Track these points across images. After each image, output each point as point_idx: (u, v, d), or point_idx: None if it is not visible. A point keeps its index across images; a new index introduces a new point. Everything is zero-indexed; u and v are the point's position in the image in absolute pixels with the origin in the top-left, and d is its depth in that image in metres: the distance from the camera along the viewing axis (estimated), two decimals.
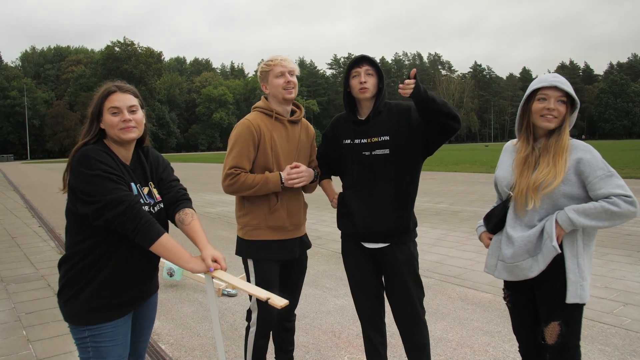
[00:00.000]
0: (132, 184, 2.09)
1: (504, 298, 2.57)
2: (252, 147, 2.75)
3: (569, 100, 2.32)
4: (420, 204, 11.80)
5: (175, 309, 4.85)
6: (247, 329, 2.92)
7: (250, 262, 2.86)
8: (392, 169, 2.69)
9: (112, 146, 2.11)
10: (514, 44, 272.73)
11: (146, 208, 2.10)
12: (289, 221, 2.85)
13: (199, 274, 4.75)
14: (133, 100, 2.10)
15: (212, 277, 2.17)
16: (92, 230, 1.99)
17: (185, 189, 2.36)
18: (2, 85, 77.03)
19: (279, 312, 3.01)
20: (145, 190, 2.17)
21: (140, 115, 2.12)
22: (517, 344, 2.60)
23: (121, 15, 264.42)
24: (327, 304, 4.88)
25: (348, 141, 2.80)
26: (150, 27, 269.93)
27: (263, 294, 2.06)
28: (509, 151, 2.53)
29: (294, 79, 2.84)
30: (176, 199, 2.27)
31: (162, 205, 2.23)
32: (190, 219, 2.22)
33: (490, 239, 2.51)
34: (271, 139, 2.78)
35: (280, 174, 2.75)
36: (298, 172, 2.76)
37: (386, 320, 2.94)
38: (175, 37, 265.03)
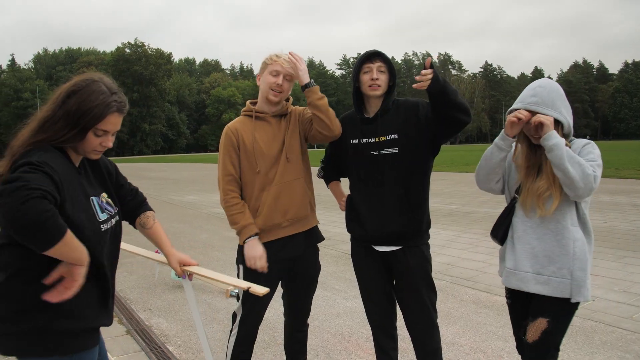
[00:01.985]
0: (93, 198, 1.78)
1: (506, 296, 2.53)
2: (233, 153, 2.69)
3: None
4: (431, 205, 11.41)
5: (184, 310, 4.80)
6: (230, 332, 2.78)
7: (240, 269, 2.72)
8: (401, 168, 2.59)
9: (69, 151, 1.78)
10: (528, 44, 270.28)
11: (105, 225, 1.80)
12: (283, 217, 2.67)
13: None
14: (120, 124, 1.81)
15: (191, 279, 2.24)
16: None
17: (137, 189, 2.22)
18: (15, 87, 77.83)
19: (291, 322, 2.94)
20: (104, 197, 1.88)
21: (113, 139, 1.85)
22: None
23: (136, 18, 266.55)
24: (336, 306, 4.81)
25: (355, 141, 2.68)
26: (164, 29, 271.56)
27: (243, 284, 2.11)
28: (509, 157, 2.45)
29: (286, 85, 2.69)
30: (139, 203, 2.18)
31: (120, 217, 1.98)
32: (152, 222, 2.16)
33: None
34: (252, 139, 2.67)
35: (256, 234, 2.63)
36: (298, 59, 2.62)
37: (397, 324, 2.86)
38: (189, 39, 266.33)
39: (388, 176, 2.59)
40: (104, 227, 1.78)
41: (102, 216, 1.78)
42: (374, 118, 2.65)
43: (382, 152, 2.60)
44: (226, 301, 5.04)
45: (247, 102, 2.83)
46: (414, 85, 2.36)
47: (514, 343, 2.57)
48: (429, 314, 2.67)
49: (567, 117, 2.23)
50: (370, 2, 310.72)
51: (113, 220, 1.88)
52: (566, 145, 2.16)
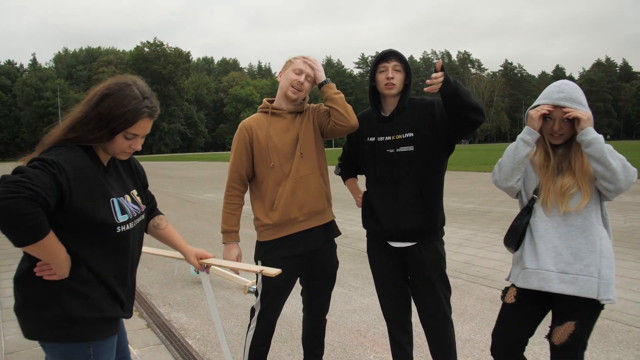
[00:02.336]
0: (113, 199, 1.81)
1: (503, 292, 2.45)
2: (243, 150, 2.73)
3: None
4: (449, 204, 11.56)
5: (202, 305, 4.89)
6: (248, 327, 2.82)
7: (259, 264, 2.73)
8: (417, 166, 2.62)
9: (97, 149, 1.84)
10: (550, 43, 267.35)
11: (129, 225, 1.86)
12: (300, 212, 2.69)
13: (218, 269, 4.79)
14: (150, 128, 1.86)
15: (208, 272, 2.33)
16: None
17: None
18: (37, 86, 79.01)
19: (310, 317, 2.98)
20: (128, 198, 1.92)
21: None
22: (546, 345, 2.40)
23: (155, 18, 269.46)
24: (353, 302, 4.86)
25: (372, 139, 2.73)
26: (182, 29, 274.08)
27: (256, 267, 2.22)
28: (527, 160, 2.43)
29: (307, 85, 2.73)
30: (154, 207, 2.26)
31: (144, 216, 2.03)
32: (165, 223, 2.24)
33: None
34: (266, 135, 2.70)
35: (234, 242, 2.81)
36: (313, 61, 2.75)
37: (412, 319, 2.90)
38: (208, 38, 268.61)
39: (403, 174, 2.63)
40: (121, 228, 1.81)
41: (122, 218, 1.82)
42: (390, 116, 2.68)
43: (397, 150, 2.64)
44: (244, 297, 5.12)
45: (264, 100, 2.88)
46: (425, 89, 2.42)
47: (529, 340, 2.55)
48: (443, 309, 2.71)
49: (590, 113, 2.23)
50: (390, 1, 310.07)
51: (138, 220, 1.94)
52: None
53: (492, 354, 2.46)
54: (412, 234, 2.65)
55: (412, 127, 2.62)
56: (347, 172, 3.05)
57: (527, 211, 2.32)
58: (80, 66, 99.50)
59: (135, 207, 1.93)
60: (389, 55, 2.63)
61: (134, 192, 1.98)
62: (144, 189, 2.13)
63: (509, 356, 2.41)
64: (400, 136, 2.64)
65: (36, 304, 1.72)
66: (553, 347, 2.26)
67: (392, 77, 2.60)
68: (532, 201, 2.32)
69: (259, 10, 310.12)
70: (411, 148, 2.62)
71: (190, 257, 2.27)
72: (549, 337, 2.27)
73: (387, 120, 2.69)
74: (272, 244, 2.74)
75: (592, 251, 2.15)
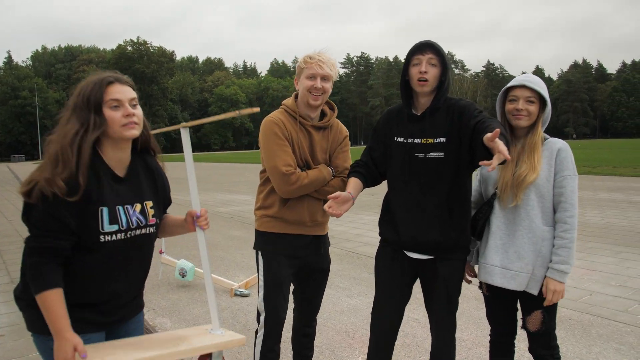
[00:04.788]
0: (103, 208, 1.80)
1: (480, 287, 2.64)
2: (286, 141, 2.58)
3: (539, 100, 2.38)
4: None
5: (187, 310, 4.86)
6: (256, 333, 2.74)
7: (260, 255, 2.71)
8: (446, 175, 2.39)
9: (106, 150, 1.86)
10: (533, 45, 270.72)
11: (132, 233, 1.88)
12: (309, 217, 2.65)
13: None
14: (133, 93, 1.87)
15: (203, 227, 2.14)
16: None
17: None
18: (13, 85, 77.49)
19: (300, 317, 2.95)
20: (138, 208, 1.92)
21: (140, 110, 1.89)
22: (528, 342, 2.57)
23: (144, 17, 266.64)
24: (340, 303, 4.88)
25: (400, 139, 2.48)
26: (171, 28, 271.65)
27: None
28: None
29: (326, 85, 2.62)
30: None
31: (152, 230, 1.98)
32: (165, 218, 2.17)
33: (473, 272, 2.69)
34: (298, 141, 2.62)
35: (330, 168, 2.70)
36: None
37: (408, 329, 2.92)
38: (198, 38, 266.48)
39: (431, 182, 2.41)
40: (104, 238, 1.80)
41: (109, 227, 1.81)
42: (422, 116, 2.45)
43: (428, 155, 2.40)
44: (230, 300, 5.10)
45: (292, 96, 2.75)
46: (490, 165, 1.88)
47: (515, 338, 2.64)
48: (444, 330, 2.55)
49: (549, 103, 2.38)
50: (382, 3, 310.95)
51: (137, 232, 1.90)
52: (541, 140, 2.37)
53: (489, 341, 2.72)
54: (432, 248, 2.44)
55: (445, 132, 2.38)
56: (357, 169, 2.64)
57: (488, 205, 2.50)
58: (59, 65, 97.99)
59: (141, 218, 1.92)
60: (424, 47, 2.37)
61: (149, 203, 1.96)
62: (164, 206, 2.10)
63: (501, 343, 2.64)
64: (431, 140, 2.40)
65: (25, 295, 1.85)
66: (530, 335, 2.48)
67: (425, 72, 2.35)
68: (494, 196, 2.48)
69: (250, 10, 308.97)
70: (441, 155, 2.38)
71: (188, 217, 2.11)
72: (523, 327, 2.49)
73: (419, 119, 2.46)
74: (272, 236, 2.69)
75: (533, 251, 2.37)
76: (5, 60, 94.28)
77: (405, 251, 2.52)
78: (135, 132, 1.85)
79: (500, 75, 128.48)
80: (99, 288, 1.88)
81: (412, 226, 2.45)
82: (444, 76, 2.39)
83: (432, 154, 2.39)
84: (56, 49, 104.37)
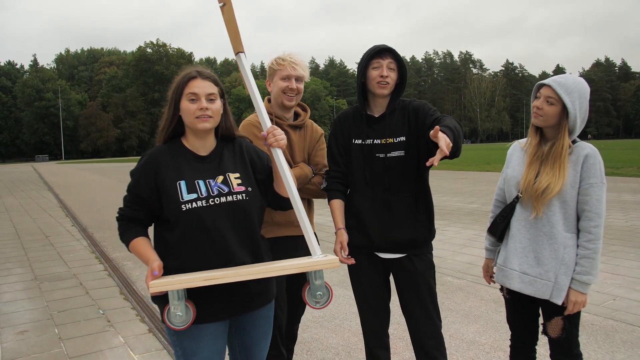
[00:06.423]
0: (181, 182, 1.98)
1: (501, 289, 2.58)
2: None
3: (562, 104, 2.25)
4: (452, 204, 11.65)
5: None
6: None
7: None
8: (409, 173, 2.47)
9: (188, 137, 2.06)
10: (552, 43, 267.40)
11: (214, 200, 1.97)
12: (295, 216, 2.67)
13: None
14: (212, 88, 2.01)
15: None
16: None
17: None
18: (37, 87, 79.09)
19: (289, 314, 2.92)
20: (220, 179, 2.03)
21: (217, 105, 2.02)
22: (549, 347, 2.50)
23: (163, 20, 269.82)
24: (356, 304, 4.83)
25: (359, 141, 2.54)
26: (190, 32, 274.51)
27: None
28: (518, 150, 2.50)
29: (300, 86, 2.70)
30: None
31: (240, 197, 2.02)
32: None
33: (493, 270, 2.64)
34: None
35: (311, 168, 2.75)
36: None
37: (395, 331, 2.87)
38: (216, 40, 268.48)
39: (395, 181, 2.47)
40: (185, 206, 1.94)
41: (187, 196, 1.96)
42: (380, 118, 2.52)
43: (388, 155, 2.47)
44: None
45: (265, 100, 2.79)
46: (432, 163, 1.96)
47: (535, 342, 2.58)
48: (433, 321, 2.56)
49: (577, 110, 2.24)
50: (397, 3, 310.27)
51: (221, 199, 1.98)
52: (569, 146, 2.27)
53: (510, 345, 2.64)
54: (405, 246, 2.49)
55: (404, 131, 2.47)
56: (333, 188, 2.63)
57: (510, 208, 2.43)
58: (82, 67, 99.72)
59: (223, 187, 2.02)
60: (383, 52, 2.45)
61: (233, 175, 2.06)
62: (266, 176, 2.16)
63: (521, 348, 2.57)
64: (391, 140, 2.47)
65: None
66: (551, 341, 2.39)
67: (386, 76, 2.43)
68: (516, 198, 2.41)
69: (267, 13, 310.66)
70: (402, 153, 2.46)
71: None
72: (544, 332, 2.41)
73: (377, 121, 2.52)
74: (270, 241, 2.63)
75: (554, 258, 2.28)
76: (31, 63, 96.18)
77: (376, 253, 2.56)
78: (207, 125, 2.00)
79: (520, 74, 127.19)
80: (207, 252, 1.96)
81: (382, 227, 2.49)
82: (399, 79, 2.50)
83: (393, 153, 2.46)
84: (79, 51, 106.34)
